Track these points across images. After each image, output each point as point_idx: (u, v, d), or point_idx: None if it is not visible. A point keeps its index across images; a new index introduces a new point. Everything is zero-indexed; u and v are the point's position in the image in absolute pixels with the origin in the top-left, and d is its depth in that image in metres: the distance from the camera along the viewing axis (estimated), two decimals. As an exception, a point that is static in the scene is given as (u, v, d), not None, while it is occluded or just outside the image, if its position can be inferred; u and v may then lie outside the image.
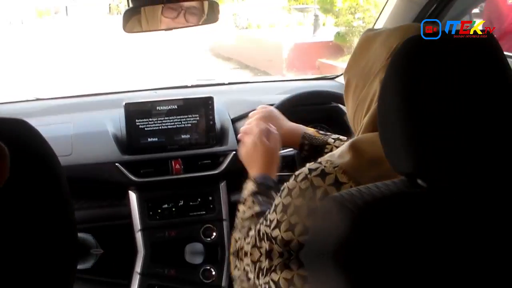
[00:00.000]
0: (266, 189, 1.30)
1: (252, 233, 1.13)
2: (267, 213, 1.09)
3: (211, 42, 13.27)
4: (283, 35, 10.99)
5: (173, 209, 1.83)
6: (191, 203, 1.84)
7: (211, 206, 1.85)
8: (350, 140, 1.03)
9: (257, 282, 1.10)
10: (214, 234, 1.84)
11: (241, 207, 1.29)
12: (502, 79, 0.80)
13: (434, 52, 0.80)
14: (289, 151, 1.73)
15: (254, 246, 1.11)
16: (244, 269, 1.15)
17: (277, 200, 1.04)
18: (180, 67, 9.12)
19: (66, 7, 20.63)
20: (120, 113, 1.80)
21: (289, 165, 1.69)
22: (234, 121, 1.91)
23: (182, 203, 1.84)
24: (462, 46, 0.81)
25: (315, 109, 1.93)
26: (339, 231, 0.78)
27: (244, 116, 1.90)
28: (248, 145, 1.42)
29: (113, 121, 1.86)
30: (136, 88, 2.19)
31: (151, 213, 1.81)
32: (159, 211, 1.82)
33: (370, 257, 0.76)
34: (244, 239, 1.16)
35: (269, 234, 1.05)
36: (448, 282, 0.78)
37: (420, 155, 0.77)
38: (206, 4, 1.57)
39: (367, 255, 0.76)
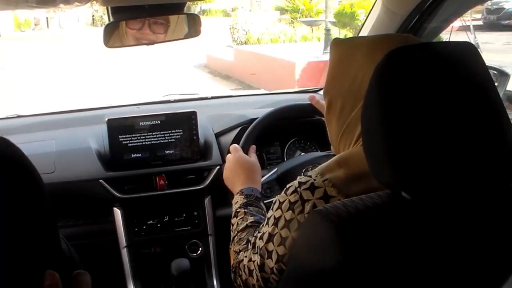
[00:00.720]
0: (255, 200, 1.31)
1: (250, 246, 1.13)
2: (261, 226, 1.09)
3: (207, 57, 12.21)
4: (288, 50, 9.82)
5: (158, 225, 1.82)
6: (176, 219, 1.83)
7: (197, 221, 1.85)
8: (339, 155, 1.02)
9: None
10: (200, 249, 1.84)
11: (233, 220, 1.29)
12: (484, 89, 0.81)
13: (416, 64, 0.80)
14: (270, 175, 1.72)
15: (250, 260, 1.11)
16: (246, 281, 1.14)
17: (269, 213, 1.04)
18: (170, 88, 8.24)
19: (47, 18, 20.28)
20: (103, 129, 1.79)
21: (272, 190, 1.68)
22: (218, 135, 1.91)
23: (167, 219, 1.83)
24: (444, 56, 0.82)
25: (298, 122, 1.94)
26: (324, 244, 0.78)
27: (227, 131, 1.91)
28: (230, 162, 1.46)
29: (96, 138, 1.85)
30: (119, 103, 2.17)
31: (136, 229, 1.80)
32: (144, 227, 1.81)
33: (355, 269, 0.76)
34: (244, 251, 1.16)
35: (262, 248, 1.05)
36: None
37: (403, 168, 0.77)
38: (183, 17, 1.57)
39: (352, 267, 0.76)
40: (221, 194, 1.78)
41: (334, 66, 1.07)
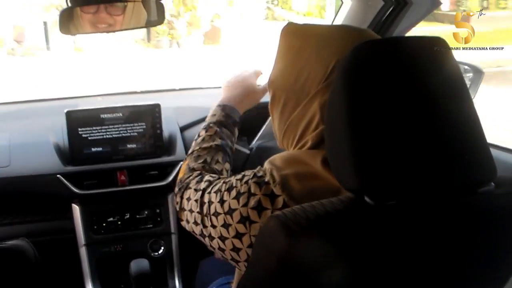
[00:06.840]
0: (231, 123, 1.24)
1: (201, 185, 1.04)
2: (212, 185, 1.01)
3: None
4: None
5: (119, 222, 1.76)
6: (137, 216, 1.77)
7: (159, 219, 1.78)
8: (289, 153, 0.96)
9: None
10: (162, 248, 1.78)
11: (202, 132, 1.22)
12: (455, 89, 0.78)
13: (383, 60, 0.76)
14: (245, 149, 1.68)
15: (193, 220, 1.03)
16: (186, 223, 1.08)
17: (220, 185, 0.98)
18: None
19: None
20: (62, 121, 1.70)
21: (240, 163, 1.64)
22: (183, 129, 1.84)
23: (128, 216, 1.76)
24: (413, 52, 0.78)
25: (263, 114, 1.88)
26: (281, 251, 0.74)
27: (193, 124, 1.84)
28: (242, 73, 1.36)
29: (54, 130, 1.77)
30: (81, 94, 2.08)
31: (95, 227, 1.74)
32: (104, 224, 1.74)
33: (313, 277, 0.73)
34: (195, 177, 1.08)
35: (204, 218, 0.99)
36: None
37: (368, 173, 0.73)
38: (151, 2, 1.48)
39: (310, 275, 0.73)
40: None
41: (282, 57, 1.00)
